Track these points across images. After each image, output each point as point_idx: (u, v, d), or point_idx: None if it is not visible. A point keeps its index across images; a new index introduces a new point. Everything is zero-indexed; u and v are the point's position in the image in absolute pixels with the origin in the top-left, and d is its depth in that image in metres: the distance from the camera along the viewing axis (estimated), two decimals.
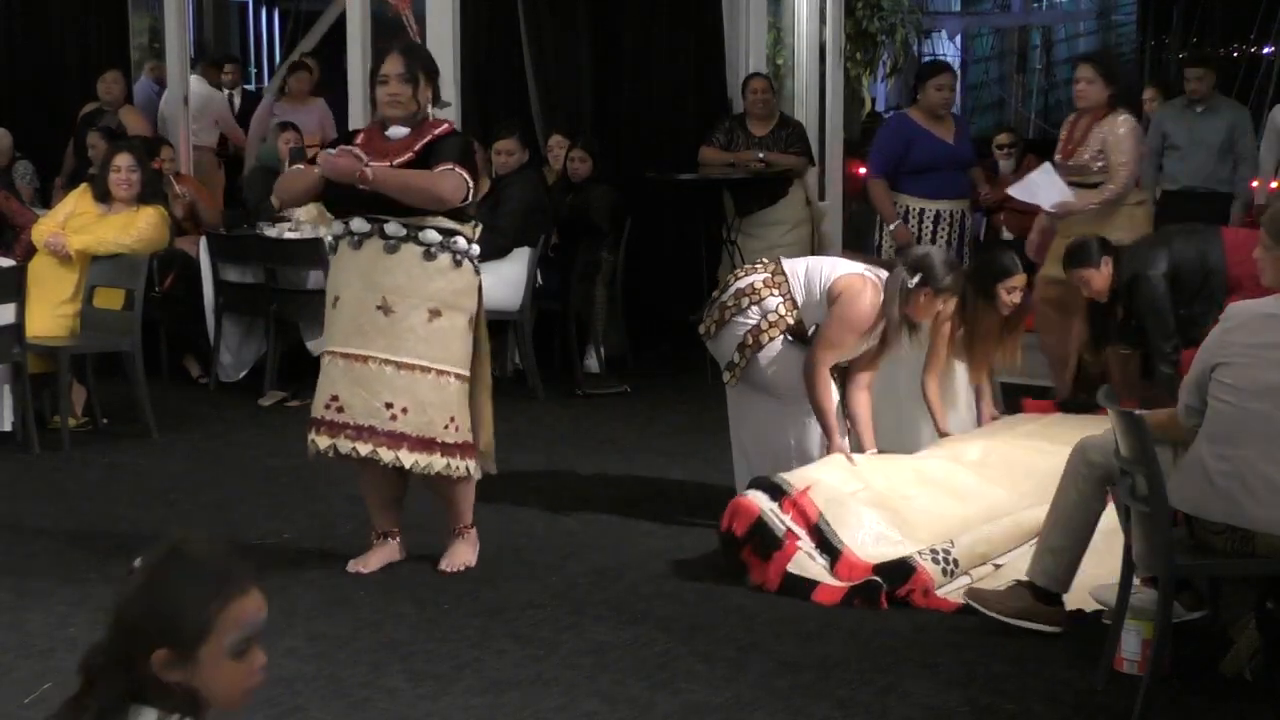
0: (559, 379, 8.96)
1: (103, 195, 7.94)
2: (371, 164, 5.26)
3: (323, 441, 5.41)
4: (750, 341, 5.97)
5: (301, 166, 5.54)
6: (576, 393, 8.74)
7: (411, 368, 5.36)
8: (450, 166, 5.33)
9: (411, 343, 5.35)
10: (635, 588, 5.39)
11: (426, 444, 5.39)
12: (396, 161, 5.33)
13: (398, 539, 5.69)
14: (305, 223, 8.95)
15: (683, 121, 10.22)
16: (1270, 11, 18.38)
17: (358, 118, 10.26)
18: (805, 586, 5.24)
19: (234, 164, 11.74)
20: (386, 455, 5.35)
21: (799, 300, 5.99)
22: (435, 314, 5.37)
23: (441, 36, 9.80)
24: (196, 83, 12.06)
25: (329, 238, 5.59)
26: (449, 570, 5.60)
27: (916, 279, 5.87)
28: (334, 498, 6.58)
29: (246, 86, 14.27)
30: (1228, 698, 4.42)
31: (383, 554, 5.65)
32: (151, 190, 8.04)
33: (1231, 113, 9.89)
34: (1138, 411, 4.42)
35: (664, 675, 4.58)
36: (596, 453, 7.32)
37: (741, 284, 6.05)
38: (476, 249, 5.54)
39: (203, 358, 9.08)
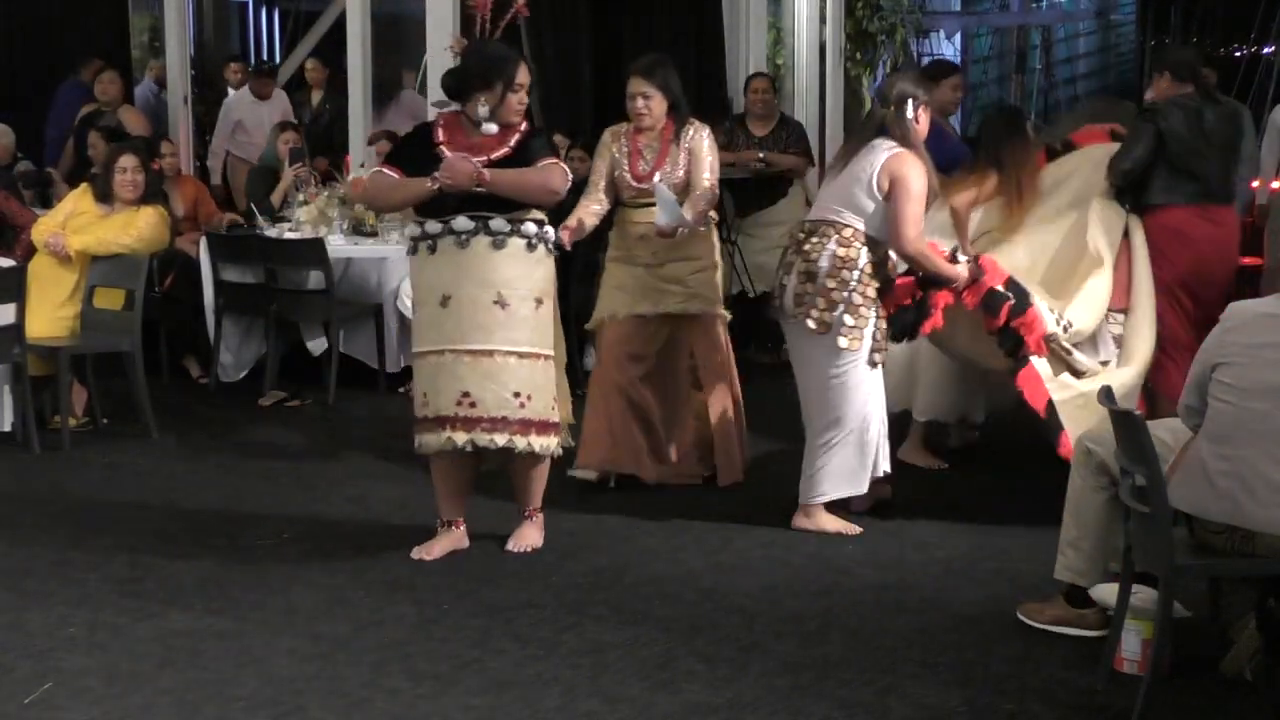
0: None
1: (103, 195, 7.93)
2: (484, 169, 5.51)
3: (460, 437, 5.56)
4: (866, 299, 5.98)
5: (389, 172, 5.67)
6: (576, 392, 8.71)
7: (528, 356, 5.61)
8: (553, 161, 5.67)
9: (525, 332, 5.61)
10: (635, 588, 5.39)
11: (543, 426, 5.65)
12: (495, 156, 5.58)
13: (462, 527, 5.85)
14: (305, 223, 8.96)
15: None
16: (1270, 11, 18.37)
17: (358, 116, 10.29)
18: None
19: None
20: (520, 443, 5.59)
21: (865, 229, 5.99)
22: (539, 302, 5.66)
23: (442, 37, 9.81)
24: (245, 95, 12.04)
25: (411, 239, 5.69)
26: (515, 550, 5.78)
27: (910, 106, 6.00)
28: (335, 498, 6.59)
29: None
30: (1228, 698, 4.42)
31: (448, 541, 5.80)
32: (152, 190, 8.03)
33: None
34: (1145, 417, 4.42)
35: (664, 675, 4.58)
36: None
37: (823, 264, 5.94)
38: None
39: (203, 358, 9.07)
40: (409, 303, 8.44)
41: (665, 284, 6.52)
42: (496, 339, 5.56)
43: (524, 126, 5.72)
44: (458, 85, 5.69)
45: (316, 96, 11.99)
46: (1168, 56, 7.60)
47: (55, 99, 11.13)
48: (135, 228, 7.81)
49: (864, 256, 5.96)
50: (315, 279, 8.53)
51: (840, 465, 6.06)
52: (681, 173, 6.44)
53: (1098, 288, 6.44)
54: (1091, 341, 6.45)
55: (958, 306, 6.12)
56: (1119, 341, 6.55)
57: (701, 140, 6.47)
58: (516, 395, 5.57)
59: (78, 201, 8.03)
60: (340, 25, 11.16)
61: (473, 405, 5.56)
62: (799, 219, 9.71)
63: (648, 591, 5.34)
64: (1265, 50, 18.31)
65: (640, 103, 6.42)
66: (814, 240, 6.03)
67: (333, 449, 7.48)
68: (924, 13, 21.27)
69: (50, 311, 7.65)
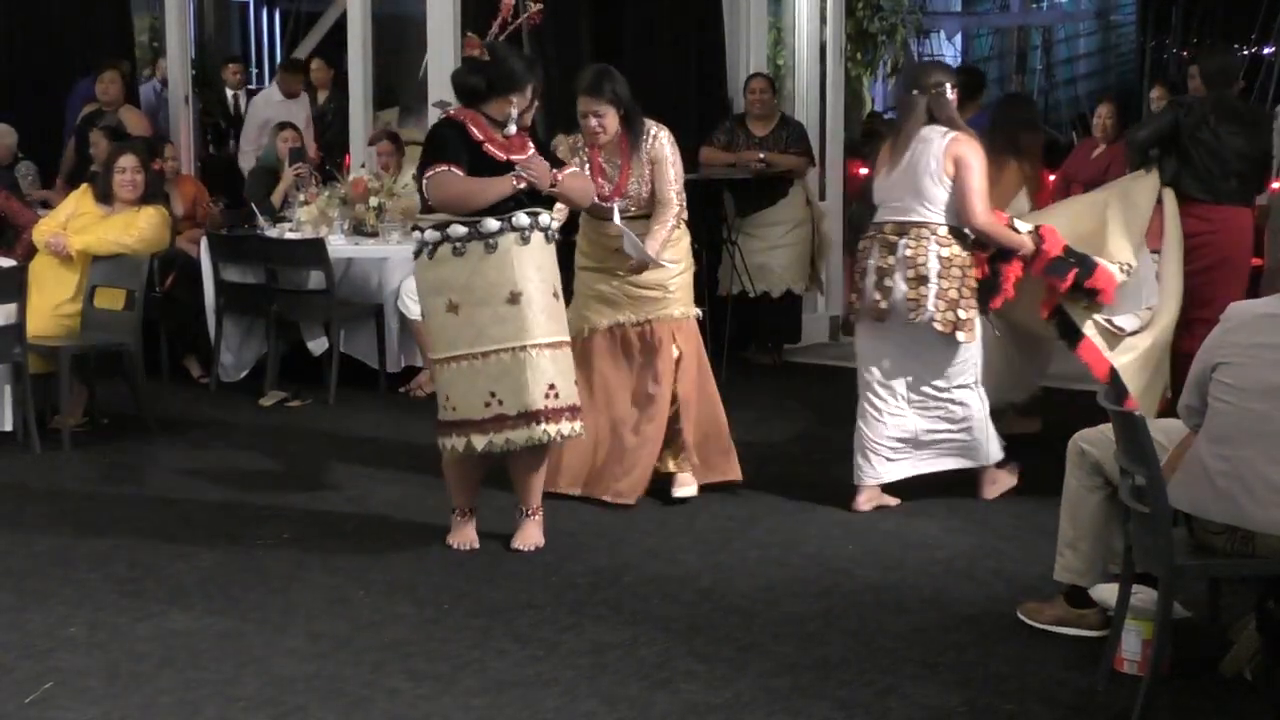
0: None
1: (104, 195, 7.94)
2: (556, 172, 5.74)
3: (551, 429, 5.65)
4: (971, 290, 6.25)
5: (458, 171, 5.63)
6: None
7: (549, 346, 5.70)
8: (573, 170, 5.92)
9: (545, 322, 5.69)
10: (634, 588, 5.39)
11: (574, 411, 5.77)
12: (530, 153, 5.72)
13: (470, 513, 5.95)
14: (306, 223, 8.96)
15: (683, 122, 10.18)
16: (1271, 12, 18.37)
17: (359, 116, 10.29)
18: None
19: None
20: (551, 430, 5.68)
21: (950, 221, 6.21)
22: (556, 295, 5.78)
23: (442, 36, 9.81)
24: (273, 94, 12.02)
25: (455, 236, 5.63)
26: (521, 549, 5.82)
27: (947, 88, 6.25)
28: (335, 498, 6.59)
29: (250, 87, 14.25)
30: (1228, 698, 4.42)
31: (472, 526, 5.91)
32: (153, 191, 8.04)
33: None
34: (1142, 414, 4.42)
35: (663, 675, 4.58)
36: None
37: (932, 265, 6.16)
38: None
39: (203, 358, 9.08)
40: (410, 303, 8.50)
41: (647, 290, 6.45)
42: (561, 330, 5.75)
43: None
44: (488, 86, 5.69)
45: (322, 96, 11.99)
46: (1202, 62, 7.82)
47: (72, 99, 11.12)
48: (136, 228, 7.81)
49: (964, 251, 6.21)
50: (316, 279, 8.54)
51: (982, 431, 6.41)
52: (646, 190, 6.34)
53: (1132, 222, 6.66)
54: (1136, 284, 6.56)
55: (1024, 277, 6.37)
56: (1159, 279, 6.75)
57: (662, 147, 6.35)
58: (551, 387, 5.64)
59: (79, 201, 8.03)
60: (341, 26, 11.16)
61: (557, 396, 5.66)
62: (799, 219, 9.81)
63: (647, 592, 5.34)
64: (1266, 51, 18.30)
65: (594, 122, 6.28)
66: (909, 242, 6.20)
67: (333, 449, 7.48)
68: (924, 13, 21.29)
69: (51, 311, 7.65)
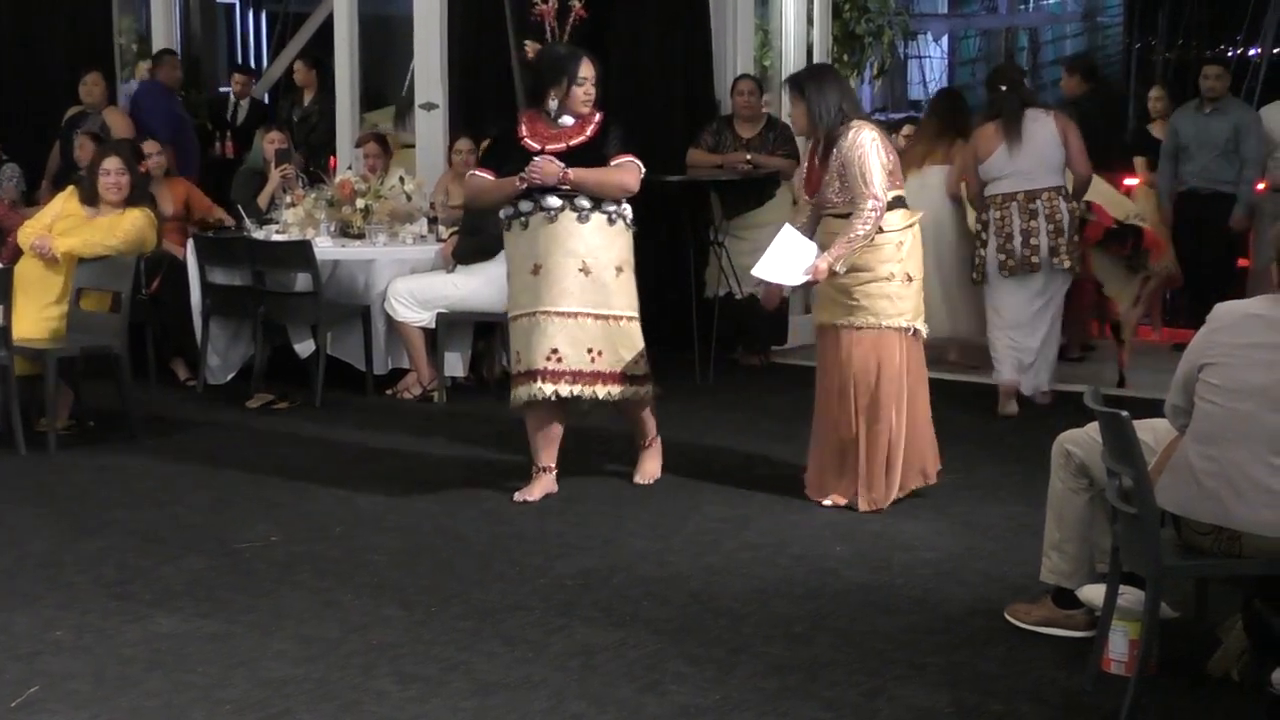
0: None
1: (90, 198, 7.93)
2: (568, 167, 6.28)
3: (547, 388, 6.37)
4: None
5: (483, 174, 6.50)
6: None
7: (609, 318, 6.42)
8: (629, 158, 6.43)
9: (606, 297, 6.39)
10: (623, 589, 5.40)
11: (622, 378, 6.47)
12: (573, 143, 6.37)
13: (554, 473, 6.61)
14: (292, 225, 8.96)
15: (670, 123, 10.21)
16: (1258, 13, 18.40)
17: (345, 117, 10.30)
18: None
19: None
20: (601, 391, 6.42)
21: (1064, 180, 8.18)
22: (620, 270, 6.44)
23: (429, 38, 9.82)
24: None
25: (505, 216, 6.46)
26: (640, 483, 6.72)
27: (1025, 80, 9.08)
28: (323, 500, 6.59)
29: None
30: (1215, 698, 4.43)
31: (544, 484, 6.58)
32: (138, 192, 8.02)
33: (1238, 113, 9.94)
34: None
35: (652, 677, 4.58)
36: (583, 455, 7.31)
37: (1067, 219, 8.06)
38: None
39: (190, 360, 9.07)
40: (396, 305, 8.52)
41: (839, 295, 6.37)
42: (579, 302, 6.34)
43: (599, 116, 6.44)
44: (534, 85, 6.54)
45: (308, 97, 11.99)
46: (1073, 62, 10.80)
47: (137, 99, 11.11)
48: (121, 230, 7.80)
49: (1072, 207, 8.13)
50: (303, 281, 8.54)
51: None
52: (836, 190, 6.29)
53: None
54: None
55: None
56: None
57: (854, 147, 6.23)
58: (589, 351, 6.36)
59: (64, 204, 8.02)
60: (328, 27, 11.16)
61: (559, 360, 6.35)
62: (786, 221, 9.82)
63: (636, 594, 5.35)
64: (1252, 52, 18.34)
65: (783, 116, 6.99)
66: (1045, 202, 8.02)
67: (320, 451, 7.48)
68: (911, 14, 21.29)
69: (37, 313, 7.64)
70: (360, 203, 8.99)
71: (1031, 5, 27.64)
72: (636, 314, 6.54)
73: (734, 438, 7.62)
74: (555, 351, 6.35)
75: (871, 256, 6.23)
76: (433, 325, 8.62)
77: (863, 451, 6.34)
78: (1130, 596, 4.53)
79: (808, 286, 6.45)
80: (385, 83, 14.03)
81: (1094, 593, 4.74)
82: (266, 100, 13.64)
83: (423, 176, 9.60)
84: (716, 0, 10.43)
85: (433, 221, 9.17)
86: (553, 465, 6.61)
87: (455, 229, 8.90)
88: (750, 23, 10.89)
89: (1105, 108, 9.79)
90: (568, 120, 6.42)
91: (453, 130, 9.81)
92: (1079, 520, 4.80)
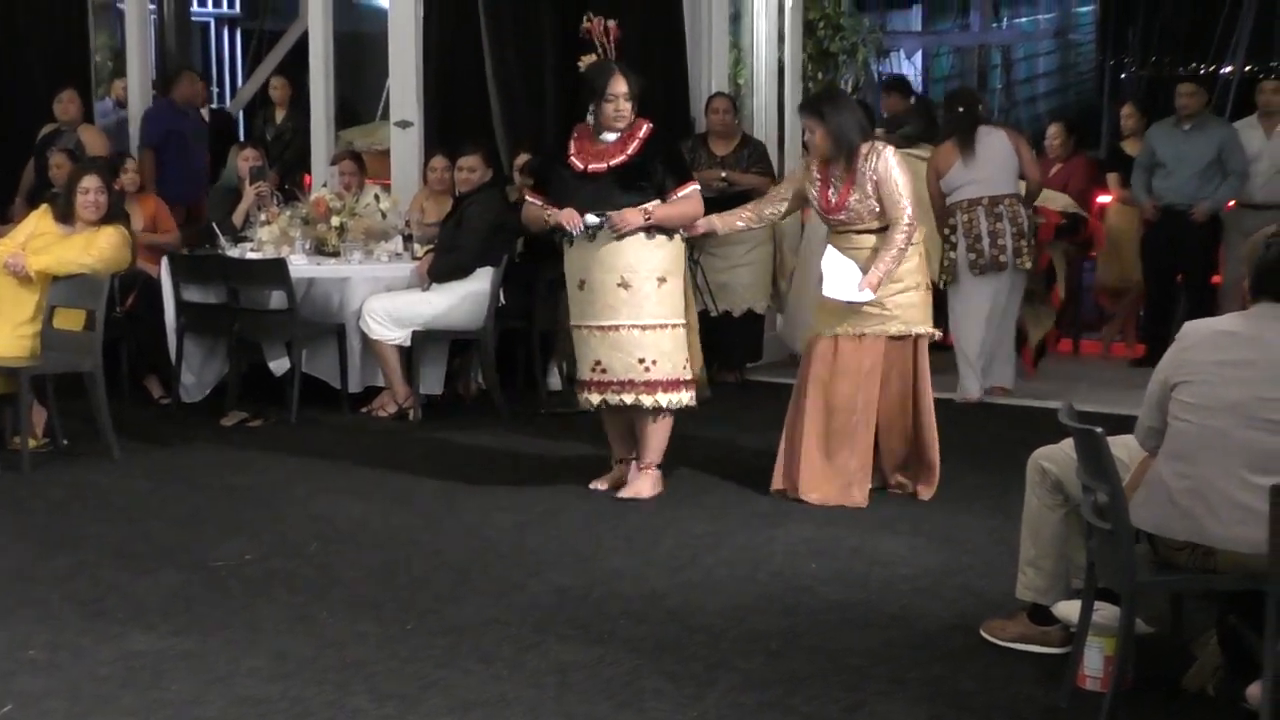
0: (522, 398, 8.96)
1: (65, 216, 7.90)
2: (649, 208, 6.62)
3: (595, 398, 6.76)
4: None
5: (532, 199, 6.89)
6: (540, 412, 8.75)
7: (653, 327, 6.66)
8: (691, 189, 6.79)
9: (649, 307, 6.65)
10: (600, 606, 5.39)
11: (674, 384, 6.72)
12: (613, 162, 6.66)
13: (630, 463, 6.92)
14: (267, 243, 8.94)
15: None
16: (1228, 30, 18.52)
17: (320, 129, 10.28)
18: None
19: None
20: (646, 400, 6.69)
21: (1019, 188, 9.00)
22: (662, 280, 6.69)
23: (404, 55, 9.82)
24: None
25: (556, 234, 6.83)
26: (624, 498, 6.78)
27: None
28: (298, 517, 6.57)
29: (211, 106, 14.18)
30: (1190, 714, 4.44)
31: (618, 474, 6.97)
32: (114, 211, 8.00)
33: (1220, 132, 9.95)
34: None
35: (629, 694, 4.57)
36: (560, 471, 7.31)
37: (1027, 224, 8.82)
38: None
39: (164, 378, 9.04)
40: (371, 323, 8.51)
41: (867, 306, 6.79)
42: (621, 315, 6.63)
43: (643, 131, 6.72)
44: (582, 101, 6.79)
45: (281, 115, 11.98)
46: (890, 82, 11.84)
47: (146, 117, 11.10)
48: (96, 248, 7.77)
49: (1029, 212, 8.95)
50: (277, 299, 8.52)
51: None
52: (868, 208, 6.67)
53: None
54: None
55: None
56: None
57: (886, 166, 6.66)
58: (641, 361, 6.64)
59: (38, 222, 7.99)
60: (303, 44, 11.15)
61: (604, 371, 6.69)
62: (760, 239, 9.85)
63: (613, 611, 5.34)
64: (1224, 70, 18.45)
65: (805, 136, 6.93)
66: (1007, 207, 8.75)
67: (295, 468, 7.46)
68: (885, 32, 21.36)
69: (10, 332, 7.61)
70: (335, 220, 8.99)
71: (1005, 23, 27.73)
72: (682, 321, 6.78)
73: (710, 454, 7.62)
74: (599, 364, 6.70)
75: (901, 268, 6.66)
76: (408, 343, 8.61)
77: (918, 444, 6.87)
78: (1105, 612, 4.54)
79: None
80: (360, 100, 14.01)
81: (1069, 609, 4.74)
82: (241, 117, 13.63)
83: (398, 194, 9.60)
84: (691, 18, 10.46)
85: (408, 239, 9.16)
86: (627, 456, 6.95)
87: (430, 246, 8.90)
88: (724, 40, 10.91)
89: (927, 126, 10.02)
90: (609, 137, 6.71)
91: (428, 148, 9.81)
92: (1055, 536, 4.81)
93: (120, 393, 8.74)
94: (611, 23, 6.96)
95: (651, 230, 6.64)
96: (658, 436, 6.83)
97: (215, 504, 6.81)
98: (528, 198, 6.95)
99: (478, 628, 5.15)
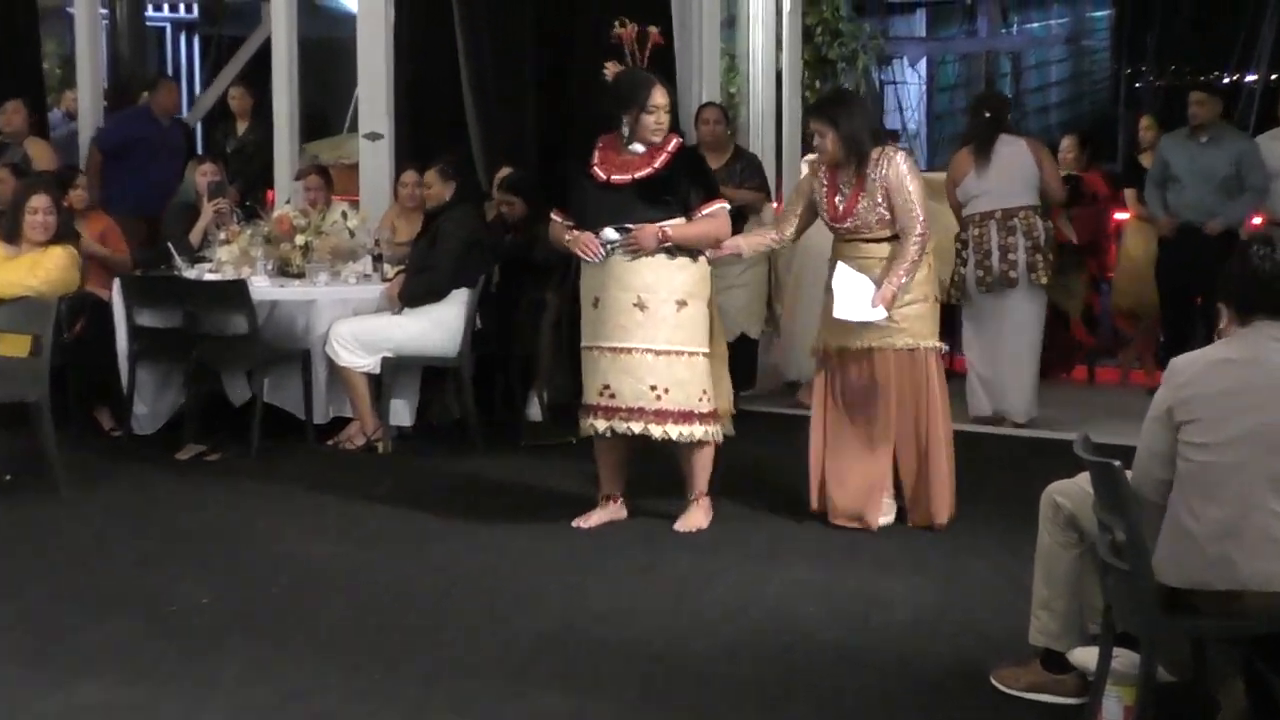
0: (500, 429, 8.93)
1: (10, 235, 7.89)
2: (665, 226, 6.61)
3: (600, 424, 6.71)
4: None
5: (556, 218, 6.84)
6: (520, 444, 8.72)
7: (668, 353, 6.62)
8: (717, 206, 6.78)
9: (666, 332, 6.63)
10: (582, 652, 5.36)
11: (686, 416, 6.66)
12: (638, 175, 6.68)
13: (620, 501, 6.98)
14: (227, 263, 8.92)
15: None
16: (1251, 38, 18.59)
17: (284, 142, 10.28)
18: None
19: None
20: (656, 431, 6.65)
21: (1038, 199, 9.00)
22: (682, 304, 6.67)
23: (374, 63, 9.82)
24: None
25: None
26: (681, 530, 6.78)
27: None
28: (258, 558, 6.54)
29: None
30: None
31: (606, 513, 6.96)
32: (63, 231, 7.98)
33: (1238, 144, 9.86)
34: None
35: None
36: (541, 508, 7.29)
37: (1044, 236, 8.85)
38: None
39: (116, 409, 9.00)
40: (339, 349, 8.49)
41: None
42: (635, 338, 6.61)
43: (672, 144, 6.75)
44: (610, 110, 6.76)
45: (242, 127, 11.98)
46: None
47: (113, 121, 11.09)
48: (43, 269, 7.76)
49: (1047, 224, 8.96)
50: (238, 323, 8.48)
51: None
52: (877, 215, 6.75)
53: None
54: None
55: None
56: None
57: (899, 173, 6.75)
58: (653, 388, 6.60)
59: None
60: (266, 51, 11.16)
61: (612, 396, 6.66)
62: (755, 257, 9.83)
63: (596, 656, 5.32)
64: (1249, 78, 18.52)
65: (815, 140, 6.94)
66: (1022, 220, 8.82)
67: (256, 506, 7.44)
68: (887, 39, 21.44)
69: None
70: (300, 239, 8.97)
71: (1015, 28, 27.85)
72: (703, 349, 6.74)
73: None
74: (607, 388, 6.67)
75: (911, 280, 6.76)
76: (377, 370, 8.59)
77: (930, 465, 6.88)
78: (1124, 659, 4.52)
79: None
80: (327, 110, 14.02)
81: (1086, 655, 4.72)
82: (199, 129, 13.62)
83: (367, 211, 9.59)
84: (681, 24, 10.45)
85: (377, 259, 9.15)
86: (616, 494, 6.96)
87: (401, 267, 8.88)
88: (716, 48, 10.92)
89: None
90: (638, 148, 6.71)
91: (399, 162, 9.81)
92: (1069, 577, 4.78)
93: (68, 424, 8.69)
94: (653, 29, 7.08)
95: (673, 250, 6.64)
96: (700, 466, 6.84)
97: (170, 544, 6.79)
98: (553, 215, 6.95)
99: (451, 676, 5.12)
